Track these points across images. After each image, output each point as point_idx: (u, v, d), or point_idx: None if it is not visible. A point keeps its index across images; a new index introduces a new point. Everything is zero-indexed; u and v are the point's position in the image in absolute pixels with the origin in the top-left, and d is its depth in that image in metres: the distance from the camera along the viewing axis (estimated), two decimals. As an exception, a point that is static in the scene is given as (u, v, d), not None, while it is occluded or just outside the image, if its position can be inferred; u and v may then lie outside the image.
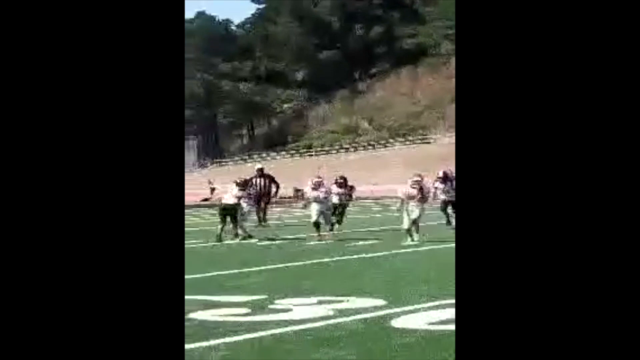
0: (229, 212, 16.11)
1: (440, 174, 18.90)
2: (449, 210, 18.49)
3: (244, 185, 16.86)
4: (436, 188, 18.41)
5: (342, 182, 17.56)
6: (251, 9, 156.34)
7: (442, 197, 18.70)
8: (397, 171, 18.69)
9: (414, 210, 14.66)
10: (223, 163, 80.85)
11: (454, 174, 17.53)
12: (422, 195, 14.86)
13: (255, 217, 19.22)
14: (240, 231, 16.42)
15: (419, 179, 15.21)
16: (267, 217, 20.97)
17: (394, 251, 13.11)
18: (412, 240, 14.46)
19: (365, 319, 7.09)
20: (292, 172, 48.78)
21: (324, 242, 15.18)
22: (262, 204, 20.27)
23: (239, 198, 16.39)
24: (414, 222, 14.67)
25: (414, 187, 14.87)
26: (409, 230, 14.66)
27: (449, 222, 18.11)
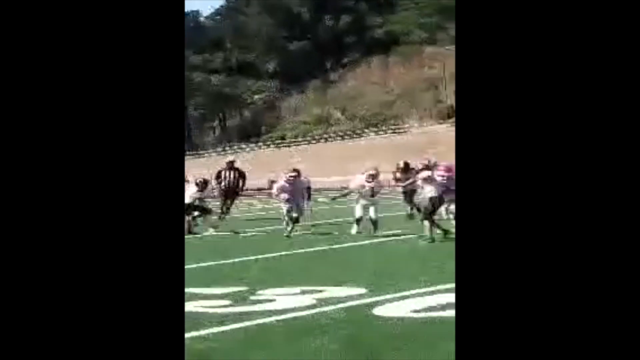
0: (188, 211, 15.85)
1: (402, 164, 18.22)
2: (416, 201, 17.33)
3: (203, 186, 16.68)
4: (398, 179, 18.08)
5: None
6: (220, 0, 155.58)
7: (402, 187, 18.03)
8: (370, 162, 18.67)
9: (369, 207, 14.60)
10: (197, 155, 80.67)
11: (426, 164, 16.69)
12: (373, 190, 14.72)
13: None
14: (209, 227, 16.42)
15: (374, 172, 15.12)
16: (232, 210, 20.54)
17: (372, 241, 13.17)
18: (368, 231, 14.24)
19: (349, 308, 7.15)
20: (267, 163, 48.74)
21: (299, 233, 15.08)
22: (229, 199, 19.70)
23: (196, 199, 16.27)
24: (372, 219, 14.51)
25: (368, 181, 14.84)
26: (358, 221, 14.59)
27: (411, 216, 17.27)
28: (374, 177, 14.96)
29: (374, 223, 14.47)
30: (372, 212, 14.56)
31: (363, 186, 14.85)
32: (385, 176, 16.42)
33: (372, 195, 14.76)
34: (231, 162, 20.25)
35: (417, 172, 16.46)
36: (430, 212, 12.71)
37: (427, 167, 15.99)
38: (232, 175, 19.64)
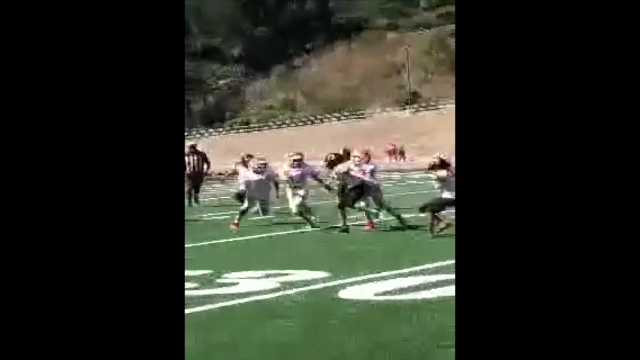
0: None
1: (340, 153, 15.91)
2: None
3: None
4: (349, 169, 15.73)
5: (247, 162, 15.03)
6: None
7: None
8: (332, 147, 18.64)
9: (296, 195, 13.10)
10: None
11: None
12: (303, 176, 13.18)
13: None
14: None
15: (299, 157, 13.44)
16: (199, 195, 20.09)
17: (335, 225, 13.23)
18: (309, 224, 13.00)
19: (313, 291, 7.23)
20: (231, 148, 48.58)
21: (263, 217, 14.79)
22: (195, 183, 19.33)
23: None
24: (303, 206, 13.13)
25: (293, 167, 13.29)
26: (299, 214, 13.15)
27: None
28: (299, 162, 13.38)
29: (302, 206, 13.21)
30: (292, 199, 13.16)
31: (286, 172, 13.43)
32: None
33: (299, 182, 13.18)
34: (193, 146, 20.07)
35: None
36: (345, 204, 12.34)
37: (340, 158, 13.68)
38: (195, 160, 19.54)
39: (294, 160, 13.46)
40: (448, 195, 11.07)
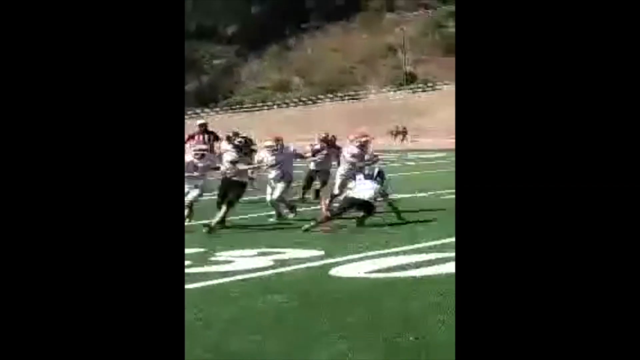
0: None
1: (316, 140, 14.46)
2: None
3: None
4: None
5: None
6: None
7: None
8: (328, 128, 18.58)
9: (276, 187, 11.80)
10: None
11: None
12: (282, 164, 11.81)
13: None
14: None
15: (273, 144, 11.96)
16: None
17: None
18: (282, 216, 11.76)
19: (306, 268, 7.48)
20: (226, 129, 48.50)
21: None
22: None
23: None
24: (281, 200, 11.89)
25: (271, 153, 11.90)
26: (272, 204, 11.84)
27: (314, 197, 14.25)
28: (274, 148, 11.91)
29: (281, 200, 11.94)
30: (277, 191, 11.82)
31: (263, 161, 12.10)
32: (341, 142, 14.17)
33: (278, 172, 11.86)
34: (204, 125, 18.28)
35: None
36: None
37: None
38: (206, 139, 17.51)
39: (266, 146, 12.07)
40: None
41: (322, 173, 13.98)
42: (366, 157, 12.09)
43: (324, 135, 14.23)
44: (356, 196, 10.74)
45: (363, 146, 12.16)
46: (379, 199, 10.90)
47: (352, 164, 11.97)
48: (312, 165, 14.17)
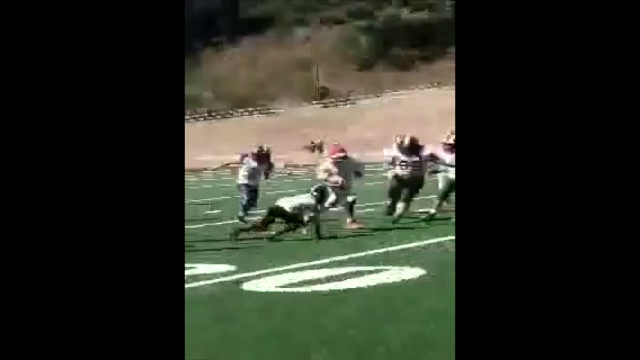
0: None
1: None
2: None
3: None
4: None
5: None
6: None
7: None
8: (236, 143, 18.47)
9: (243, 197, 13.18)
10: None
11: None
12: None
13: None
14: None
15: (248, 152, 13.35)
16: None
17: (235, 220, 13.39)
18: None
19: (218, 283, 7.56)
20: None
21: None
22: None
23: None
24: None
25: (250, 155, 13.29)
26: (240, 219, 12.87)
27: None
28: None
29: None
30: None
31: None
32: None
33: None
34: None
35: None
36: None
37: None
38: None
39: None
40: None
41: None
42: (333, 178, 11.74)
43: (258, 148, 13.89)
44: (280, 204, 10.87)
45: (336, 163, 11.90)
46: (309, 214, 10.87)
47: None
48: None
